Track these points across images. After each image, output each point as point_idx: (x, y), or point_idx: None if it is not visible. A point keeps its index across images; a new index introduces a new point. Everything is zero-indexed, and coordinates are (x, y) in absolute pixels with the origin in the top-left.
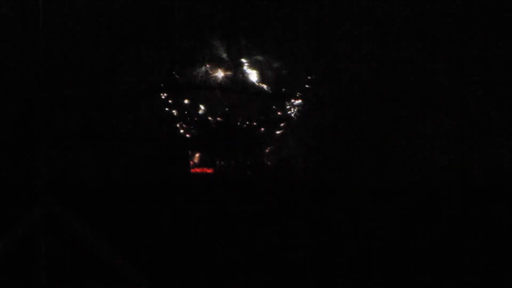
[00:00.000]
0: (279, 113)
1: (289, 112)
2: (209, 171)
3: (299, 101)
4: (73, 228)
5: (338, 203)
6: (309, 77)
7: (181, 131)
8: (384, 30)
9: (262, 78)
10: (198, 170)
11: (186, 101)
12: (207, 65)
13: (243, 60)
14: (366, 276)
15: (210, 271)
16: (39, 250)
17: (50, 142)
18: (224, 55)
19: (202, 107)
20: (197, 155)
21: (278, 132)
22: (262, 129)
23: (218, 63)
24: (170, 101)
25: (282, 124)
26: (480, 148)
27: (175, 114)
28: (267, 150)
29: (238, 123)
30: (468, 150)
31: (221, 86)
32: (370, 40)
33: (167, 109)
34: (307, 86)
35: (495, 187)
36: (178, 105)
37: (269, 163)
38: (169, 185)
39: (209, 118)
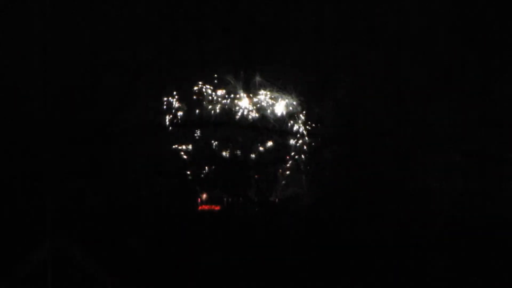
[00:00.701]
0: (286, 150)
1: (296, 150)
2: (217, 208)
3: (306, 138)
4: (81, 262)
5: (345, 238)
6: (316, 116)
7: (190, 167)
8: (391, 68)
9: (270, 116)
10: (206, 207)
11: (195, 138)
12: (216, 103)
13: (253, 99)
14: None
15: None
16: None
17: (59, 178)
18: (233, 93)
19: (210, 144)
20: (205, 191)
21: (285, 169)
22: (270, 166)
23: (227, 101)
24: (179, 138)
25: (289, 162)
26: (487, 182)
27: (184, 151)
28: (275, 187)
29: (246, 160)
30: (474, 185)
31: (229, 123)
32: (377, 78)
33: (176, 146)
34: (314, 124)
35: (498, 221)
36: (187, 142)
37: (276, 199)
38: (177, 221)
39: (218, 155)
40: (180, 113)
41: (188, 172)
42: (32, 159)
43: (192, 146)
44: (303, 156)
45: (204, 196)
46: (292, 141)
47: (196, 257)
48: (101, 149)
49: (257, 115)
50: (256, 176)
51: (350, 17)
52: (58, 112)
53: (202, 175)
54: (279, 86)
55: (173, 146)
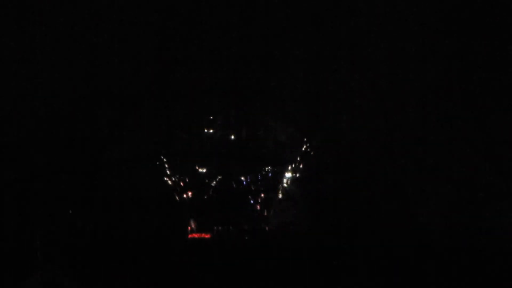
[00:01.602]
0: (278, 178)
1: (288, 178)
2: (207, 236)
3: (299, 166)
4: None
5: (338, 269)
6: (308, 144)
7: (179, 196)
8: (385, 99)
9: (261, 144)
10: (196, 235)
11: (184, 167)
12: (206, 132)
13: (243, 128)
14: None
15: None
16: None
17: (48, 210)
18: (223, 122)
19: (200, 173)
20: (195, 219)
21: (277, 197)
22: (262, 194)
23: (217, 130)
24: (168, 168)
25: (281, 190)
26: (479, 214)
27: (174, 179)
28: (266, 215)
29: (237, 189)
30: (468, 216)
31: (219, 152)
32: (370, 108)
33: (166, 175)
34: (306, 152)
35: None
36: (176, 171)
37: (267, 228)
38: (166, 250)
39: (208, 183)
40: (170, 143)
41: (178, 200)
42: (20, 191)
43: (182, 175)
44: (294, 185)
45: (194, 224)
46: (283, 169)
47: (187, 286)
48: (90, 180)
49: (246, 144)
50: (246, 204)
51: (339, 47)
52: (47, 142)
53: (192, 203)
54: (270, 116)
55: (163, 175)
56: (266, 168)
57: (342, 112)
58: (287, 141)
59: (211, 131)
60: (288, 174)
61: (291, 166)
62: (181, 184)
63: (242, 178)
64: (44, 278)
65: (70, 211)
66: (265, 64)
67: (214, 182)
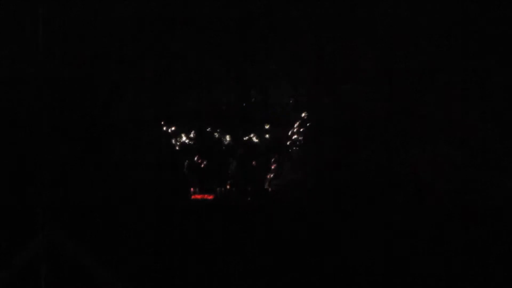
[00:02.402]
0: (280, 140)
1: (290, 139)
2: (210, 197)
3: (300, 128)
4: (74, 254)
5: (337, 228)
6: (309, 104)
7: (183, 158)
8: (384, 62)
9: (263, 105)
10: (198, 196)
11: (186, 130)
12: (208, 93)
13: (246, 89)
14: None
15: None
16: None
17: (51, 171)
18: (226, 83)
19: (203, 134)
20: (197, 182)
21: (279, 158)
22: (264, 155)
23: (219, 91)
24: (170, 130)
25: (283, 151)
26: (481, 176)
27: (175, 142)
28: (267, 177)
29: (240, 151)
30: (470, 178)
31: (222, 114)
32: (372, 71)
33: (168, 137)
34: (307, 113)
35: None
36: (179, 133)
37: (270, 189)
38: (170, 212)
39: (211, 145)
40: (172, 105)
41: (180, 162)
42: (24, 154)
43: (185, 137)
44: (296, 146)
45: (197, 185)
46: (285, 131)
47: (189, 247)
48: (92, 143)
49: (248, 105)
50: (249, 165)
51: (347, 13)
52: (47, 107)
53: (195, 165)
54: (274, 77)
55: (165, 138)
56: (270, 130)
57: (345, 74)
58: (291, 102)
59: (213, 92)
60: (292, 136)
61: (295, 128)
62: (184, 145)
63: (246, 139)
64: (47, 240)
65: (74, 173)
66: (268, 29)
67: (217, 144)
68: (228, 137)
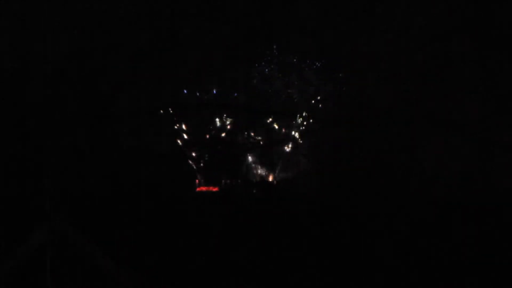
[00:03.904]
0: (285, 132)
1: (295, 132)
2: (215, 189)
3: (306, 121)
4: (78, 243)
5: (342, 221)
6: (315, 98)
7: (189, 150)
8: (392, 52)
9: (269, 97)
10: (204, 188)
11: (193, 121)
12: (215, 85)
13: (252, 81)
14: None
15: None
16: (46, 263)
17: (58, 162)
18: (231, 75)
19: (209, 126)
20: (203, 173)
21: (284, 151)
22: (269, 147)
23: (226, 83)
24: (178, 120)
25: (288, 143)
26: (484, 166)
27: (183, 133)
28: (273, 169)
29: (245, 142)
30: (472, 169)
31: (228, 105)
32: (377, 61)
33: (175, 128)
34: (313, 106)
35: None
36: (185, 124)
37: (275, 181)
38: (176, 203)
39: (216, 137)
40: (179, 96)
41: (187, 154)
42: (31, 143)
43: (191, 128)
44: (302, 138)
45: (203, 177)
46: (291, 123)
47: (194, 239)
48: (100, 133)
49: (254, 97)
50: (254, 157)
51: (353, 4)
52: (56, 96)
53: (201, 157)
54: (279, 69)
55: (172, 129)
56: (275, 122)
57: (351, 64)
58: (294, 94)
59: (220, 84)
60: (297, 128)
61: (300, 120)
62: (190, 137)
63: (251, 132)
64: (51, 229)
65: (79, 164)
66: (273, 20)
67: (223, 136)
68: (234, 129)
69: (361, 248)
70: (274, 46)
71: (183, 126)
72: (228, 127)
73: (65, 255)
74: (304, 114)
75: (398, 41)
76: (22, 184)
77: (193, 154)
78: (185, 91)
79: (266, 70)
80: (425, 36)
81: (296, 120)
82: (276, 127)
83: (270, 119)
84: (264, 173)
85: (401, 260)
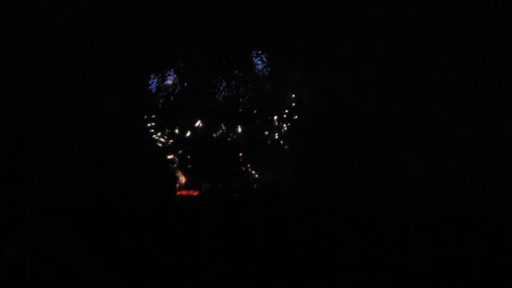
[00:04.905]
0: (266, 135)
1: (276, 135)
2: (195, 193)
3: (286, 123)
4: (59, 246)
5: (323, 223)
6: (296, 100)
7: (168, 153)
8: (372, 56)
9: (250, 100)
10: (184, 192)
11: (173, 124)
12: (195, 88)
13: (231, 82)
14: None
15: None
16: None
17: (37, 164)
18: (212, 77)
19: (189, 129)
20: (183, 177)
21: (265, 154)
22: (249, 151)
23: (206, 85)
24: (157, 124)
25: (269, 147)
26: (468, 171)
27: (162, 136)
28: (253, 172)
29: (225, 145)
30: (453, 175)
31: (209, 108)
32: (358, 66)
33: (154, 131)
34: (294, 109)
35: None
36: (165, 127)
37: (255, 185)
38: (155, 207)
39: (196, 140)
40: (159, 98)
41: (167, 157)
42: (12, 147)
43: (171, 131)
44: (283, 142)
45: (183, 181)
46: (272, 126)
47: (174, 243)
48: (79, 135)
49: (237, 99)
50: (235, 161)
51: (332, 7)
52: (36, 99)
53: (181, 160)
54: (260, 71)
55: (151, 131)
56: (256, 125)
57: (332, 67)
58: (276, 97)
59: (201, 86)
60: (278, 131)
61: (281, 123)
62: (170, 140)
63: (232, 135)
64: (33, 232)
65: (60, 167)
66: (255, 22)
67: (203, 138)
68: (214, 132)
69: (342, 251)
70: (255, 49)
71: (163, 129)
72: (208, 129)
73: (46, 258)
74: (285, 116)
75: (380, 45)
76: (2, 187)
77: (173, 158)
78: (164, 93)
79: (248, 71)
80: (409, 40)
81: (278, 122)
82: (258, 128)
83: (252, 121)
84: (245, 176)
85: (378, 266)
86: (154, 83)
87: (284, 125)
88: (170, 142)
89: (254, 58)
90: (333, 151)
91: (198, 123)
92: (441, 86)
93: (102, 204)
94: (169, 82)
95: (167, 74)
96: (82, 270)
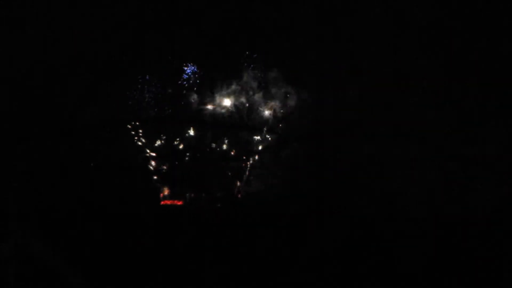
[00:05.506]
0: (250, 146)
1: (260, 146)
2: (179, 203)
3: (270, 135)
4: (42, 255)
5: (308, 235)
6: (281, 112)
7: (152, 163)
8: (356, 66)
9: (234, 112)
10: (168, 202)
11: (157, 135)
12: (179, 100)
13: (216, 95)
14: None
15: None
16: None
17: (22, 173)
18: (197, 90)
19: (173, 139)
20: (167, 186)
21: (249, 165)
22: (234, 161)
23: (191, 98)
24: (141, 134)
25: (253, 157)
26: (453, 180)
27: (147, 146)
28: (237, 183)
29: (210, 156)
30: (437, 183)
31: (193, 120)
32: (342, 75)
33: (139, 141)
34: (278, 120)
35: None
36: (149, 137)
37: (239, 195)
38: (139, 217)
39: (180, 150)
40: (142, 109)
41: (150, 167)
42: None
43: (155, 142)
44: (267, 152)
45: (166, 191)
46: (256, 137)
47: (158, 252)
48: (64, 145)
49: (221, 110)
50: (219, 171)
51: (315, 17)
52: (20, 109)
53: (164, 170)
54: (243, 83)
55: (136, 142)
56: (239, 136)
57: (315, 78)
58: (260, 108)
59: (185, 98)
60: (261, 142)
61: (264, 134)
62: (154, 151)
63: (215, 146)
64: (17, 244)
65: (43, 177)
66: (238, 35)
67: (187, 149)
68: (198, 143)
69: (328, 262)
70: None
71: (147, 139)
72: (193, 140)
73: (29, 268)
74: (266, 128)
75: (364, 52)
76: None
77: (157, 168)
78: (148, 104)
79: (231, 82)
80: (393, 48)
81: (261, 134)
82: (240, 140)
83: (235, 133)
84: (229, 187)
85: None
86: (138, 93)
87: (269, 137)
88: (155, 153)
89: (243, 68)
90: (318, 163)
91: (184, 133)
92: (435, 88)
93: (85, 212)
94: (153, 91)
95: (151, 84)
96: (66, 278)
